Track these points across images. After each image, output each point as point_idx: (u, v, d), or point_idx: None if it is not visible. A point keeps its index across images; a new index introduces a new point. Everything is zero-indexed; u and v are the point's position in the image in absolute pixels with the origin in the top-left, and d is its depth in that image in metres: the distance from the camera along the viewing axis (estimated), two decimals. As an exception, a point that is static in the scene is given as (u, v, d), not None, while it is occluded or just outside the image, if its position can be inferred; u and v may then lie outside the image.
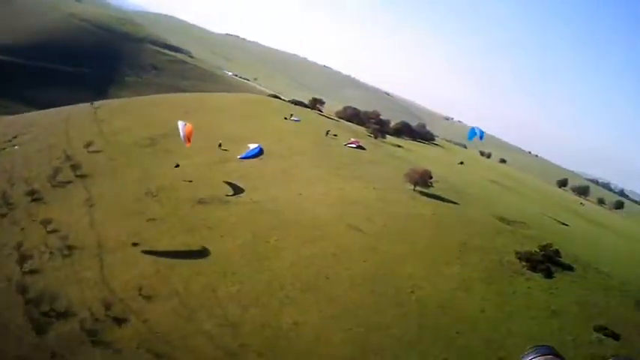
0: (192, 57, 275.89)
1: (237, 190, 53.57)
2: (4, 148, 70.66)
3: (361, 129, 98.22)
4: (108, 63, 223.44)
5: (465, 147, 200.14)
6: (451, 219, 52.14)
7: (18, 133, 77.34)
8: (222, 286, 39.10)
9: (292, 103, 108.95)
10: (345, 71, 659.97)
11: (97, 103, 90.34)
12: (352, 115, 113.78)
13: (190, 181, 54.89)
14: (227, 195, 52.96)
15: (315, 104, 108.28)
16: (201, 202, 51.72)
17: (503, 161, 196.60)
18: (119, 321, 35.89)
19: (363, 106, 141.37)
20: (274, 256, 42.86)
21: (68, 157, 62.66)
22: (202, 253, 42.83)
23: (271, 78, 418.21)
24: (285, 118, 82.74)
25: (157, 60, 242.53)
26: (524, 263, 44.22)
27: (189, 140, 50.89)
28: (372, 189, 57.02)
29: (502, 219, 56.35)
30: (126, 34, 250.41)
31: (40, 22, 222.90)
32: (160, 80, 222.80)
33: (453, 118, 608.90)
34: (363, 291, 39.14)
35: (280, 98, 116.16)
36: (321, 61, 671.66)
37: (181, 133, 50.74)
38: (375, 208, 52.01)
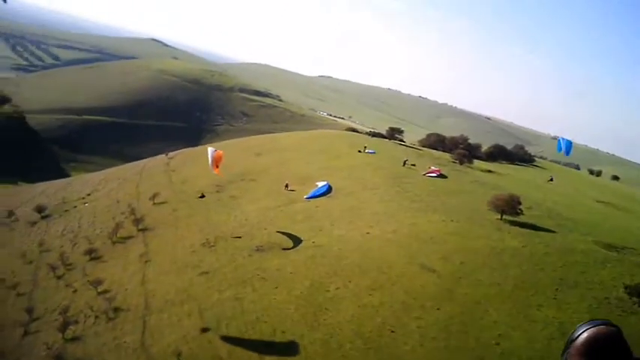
0: (281, 100, 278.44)
1: (295, 239, 48.52)
2: (75, 207, 70.20)
3: (446, 156, 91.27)
4: (200, 115, 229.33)
5: (578, 167, 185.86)
6: (545, 251, 44.54)
7: (92, 190, 77.26)
8: (271, 348, 34.16)
9: (370, 135, 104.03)
10: (441, 100, 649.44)
11: (171, 154, 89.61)
12: (436, 142, 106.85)
13: (240, 237, 50.35)
14: (284, 248, 48.11)
15: (393, 134, 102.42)
16: (258, 250, 47.40)
17: (615, 178, 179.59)
18: (154, 393, 31.76)
19: (459, 133, 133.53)
20: (333, 307, 37.48)
21: (133, 211, 60.74)
22: (250, 309, 38.17)
23: (366, 114, 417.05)
24: (359, 152, 77.86)
25: (246, 107, 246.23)
26: (635, 299, 36.19)
27: (217, 167, 47.03)
28: (449, 222, 50.43)
29: (608, 246, 47.90)
30: (216, 85, 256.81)
31: (132, 82, 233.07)
32: (251, 126, 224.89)
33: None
34: (435, 346, 32.91)
35: (357, 131, 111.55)
36: (415, 93, 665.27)
37: (209, 160, 47.05)
38: (452, 243, 45.44)
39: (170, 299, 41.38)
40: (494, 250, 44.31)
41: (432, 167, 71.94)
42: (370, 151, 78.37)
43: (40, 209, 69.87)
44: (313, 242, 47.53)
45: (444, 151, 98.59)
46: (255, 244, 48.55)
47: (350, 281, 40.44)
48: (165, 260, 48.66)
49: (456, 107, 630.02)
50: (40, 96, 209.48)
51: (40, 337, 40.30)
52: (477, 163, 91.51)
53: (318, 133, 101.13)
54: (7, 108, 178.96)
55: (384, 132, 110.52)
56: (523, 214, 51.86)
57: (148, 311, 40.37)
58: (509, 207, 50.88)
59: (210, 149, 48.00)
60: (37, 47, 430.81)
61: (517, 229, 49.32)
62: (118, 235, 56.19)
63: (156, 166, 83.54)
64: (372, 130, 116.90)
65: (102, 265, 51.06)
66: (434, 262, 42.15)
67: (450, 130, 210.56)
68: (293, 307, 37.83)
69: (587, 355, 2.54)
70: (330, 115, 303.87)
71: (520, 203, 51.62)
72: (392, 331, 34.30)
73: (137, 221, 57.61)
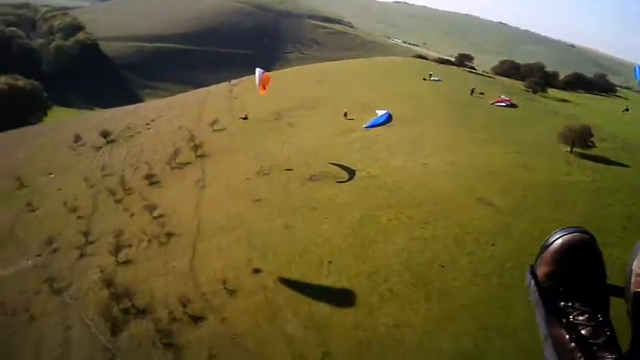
0: (352, 27, 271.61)
1: (350, 170, 46.95)
2: (139, 132, 71.07)
3: (519, 84, 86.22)
4: (269, 42, 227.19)
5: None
6: (615, 186, 41.44)
7: (157, 116, 77.92)
8: (316, 278, 33.52)
9: (437, 62, 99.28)
10: (523, 26, 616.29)
11: (234, 81, 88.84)
12: (510, 70, 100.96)
13: (291, 169, 49.14)
14: (338, 180, 46.81)
15: (463, 61, 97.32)
16: (312, 179, 46.39)
17: None
18: (196, 320, 31.87)
19: (543, 61, 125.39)
20: (383, 240, 36.29)
21: (192, 138, 60.69)
22: (298, 238, 37.51)
23: (441, 41, 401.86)
24: (424, 79, 74.49)
25: (317, 34, 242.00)
26: None
27: (263, 87, 45.51)
28: (513, 153, 47.63)
29: (688, 182, 44.13)
30: (285, 11, 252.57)
31: (201, 9, 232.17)
32: (321, 54, 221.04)
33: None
34: (487, 283, 31.41)
35: (426, 58, 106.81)
36: (496, 18, 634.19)
37: (257, 80, 45.58)
38: (514, 176, 42.93)
39: (222, 225, 41.22)
40: (560, 184, 41.59)
41: (502, 96, 68.02)
42: (436, 78, 74.86)
43: (105, 134, 71.12)
44: (368, 172, 46.04)
45: (517, 79, 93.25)
46: (310, 173, 47.55)
47: (402, 213, 38.99)
48: (219, 187, 48.50)
49: (538, 34, 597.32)
50: (112, 23, 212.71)
51: (95, 259, 41.19)
52: (552, 92, 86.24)
53: (383, 60, 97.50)
54: (80, 35, 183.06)
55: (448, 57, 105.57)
56: (595, 147, 48.36)
57: (199, 236, 40.43)
58: (580, 139, 47.46)
59: (258, 70, 46.38)
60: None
61: (587, 162, 46.08)
62: (177, 161, 56.39)
63: (219, 92, 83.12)
64: (439, 57, 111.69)
65: (159, 190, 51.52)
66: (492, 196, 39.99)
67: (529, 57, 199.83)
68: (342, 238, 36.90)
69: (561, 261, 2.48)
70: (404, 43, 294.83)
71: (592, 135, 48.08)
72: (442, 266, 32.93)
73: (196, 147, 57.54)
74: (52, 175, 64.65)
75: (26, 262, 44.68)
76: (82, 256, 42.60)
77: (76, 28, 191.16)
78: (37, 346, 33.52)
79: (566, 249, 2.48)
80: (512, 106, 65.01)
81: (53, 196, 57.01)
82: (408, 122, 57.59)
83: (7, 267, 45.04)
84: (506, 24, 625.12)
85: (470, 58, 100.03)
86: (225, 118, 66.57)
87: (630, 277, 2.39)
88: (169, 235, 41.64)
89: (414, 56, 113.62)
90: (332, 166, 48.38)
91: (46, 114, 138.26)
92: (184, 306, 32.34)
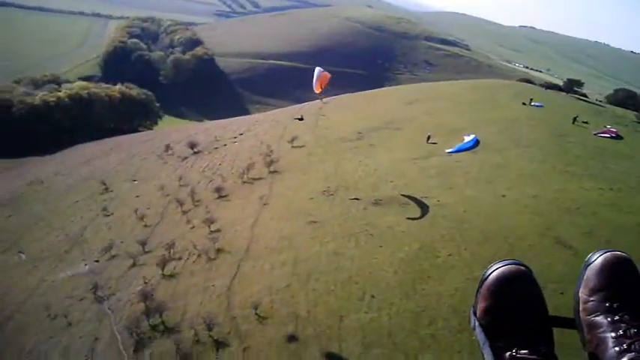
0: (468, 49, 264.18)
1: (418, 200, 43.35)
2: (225, 145, 71.10)
3: (632, 115, 77.88)
4: (382, 62, 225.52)
5: None
6: None
7: (246, 130, 77.88)
8: (354, 312, 30.48)
9: (544, 86, 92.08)
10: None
11: (327, 99, 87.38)
12: (625, 99, 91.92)
13: (358, 199, 46.16)
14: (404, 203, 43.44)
15: (572, 86, 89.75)
16: (376, 203, 43.36)
17: None
18: (219, 345, 29.86)
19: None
20: (437, 277, 32.67)
21: (269, 153, 59.61)
22: (345, 267, 34.62)
23: (565, 67, 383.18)
24: (524, 104, 68.99)
25: (431, 55, 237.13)
26: None
27: (320, 87, 42.99)
28: (607, 190, 42.07)
29: None
30: (401, 33, 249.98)
31: (319, 28, 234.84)
32: (433, 76, 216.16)
33: None
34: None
35: (532, 82, 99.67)
36: (627, 47, 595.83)
37: (315, 79, 43.09)
38: (602, 216, 37.69)
39: (271, 246, 39.18)
40: (654, 230, 35.84)
41: (608, 126, 61.33)
42: (537, 104, 69.12)
43: (192, 145, 71.89)
44: (438, 201, 42.35)
45: (632, 109, 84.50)
46: (376, 196, 44.56)
47: (466, 249, 35.13)
48: (281, 205, 46.59)
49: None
50: (230, 41, 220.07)
51: (144, 270, 40.49)
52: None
53: (483, 83, 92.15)
54: (199, 50, 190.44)
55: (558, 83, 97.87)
56: None
57: (246, 256, 38.57)
58: (689, 179, 41.11)
59: (318, 69, 44.20)
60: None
61: (695, 208, 39.66)
62: (249, 176, 55.30)
63: (310, 109, 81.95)
64: (546, 82, 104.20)
65: (225, 204, 50.49)
66: (573, 237, 35.14)
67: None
68: (392, 271, 33.63)
69: (496, 294, 2.47)
70: (527, 67, 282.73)
71: None
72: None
73: (270, 163, 56.21)
74: (135, 182, 65.89)
75: (83, 267, 45.00)
76: (133, 265, 42.12)
77: (195, 42, 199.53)
78: (63, 352, 32.91)
79: (500, 281, 2.44)
80: (617, 137, 58.32)
81: (129, 203, 57.77)
82: (495, 149, 53.07)
83: (66, 270, 45.62)
84: (637, 53, 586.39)
85: (580, 84, 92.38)
86: (306, 136, 64.95)
87: (578, 304, 2.49)
88: (219, 251, 40.16)
89: (519, 80, 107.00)
90: (401, 190, 45.16)
91: (156, 123, 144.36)
92: (210, 329, 30.44)
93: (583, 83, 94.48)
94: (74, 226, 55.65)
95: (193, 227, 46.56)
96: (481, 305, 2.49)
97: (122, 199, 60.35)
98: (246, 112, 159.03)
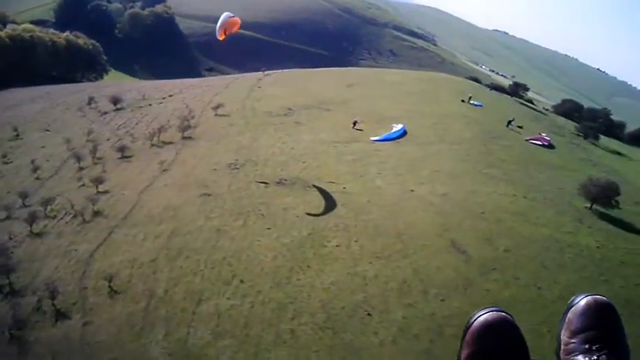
0: (435, 45, 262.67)
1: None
2: (150, 105, 67.26)
3: (572, 126, 76.80)
4: (347, 46, 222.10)
5: None
6: (625, 259, 33.46)
7: (177, 92, 73.89)
8: (216, 297, 27.76)
9: (488, 86, 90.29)
10: (621, 77, 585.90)
11: (269, 72, 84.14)
12: (571, 110, 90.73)
13: (266, 182, 43.34)
14: (308, 186, 40.85)
15: (517, 90, 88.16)
16: (280, 183, 40.64)
17: None
18: (59, 316, 26.78)
19: (634, 117, 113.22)
20: (317, 268, 30.23)
21: (186, 118, 56.17)
22: (223, 247, 31.84)
23: (531, 76, 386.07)
24: (463, 101, 66.93)
25: (396, 45, 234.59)
26: None
27: (224, 34, 39.03)
28: (520, 198, 40.15)
29: None
30: (370, 18, 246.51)
31: (289, 3, 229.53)
32: (395, 65, 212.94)
33: None
34: (411, 347, 24.97)
35: (479, 82, 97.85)
36: (594, 64, 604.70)
37: (219, 24, 39.01)
38: (507, 225, 35.66)
39: (153, 215, 36.13)
40: (558, 243, 34.06)
41: (542, 134, 59.73)
42: (476, 103, 67.12)
43: (115, 101, 67.75)
44: (344, 188, 39.91)
45: (575, 121, 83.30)
46: (282, 175, 41.84)
47: (356, 241, 32.76)
48: (180, 173, 43.42)
49: (636, 88, 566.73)
50: (196, 2, 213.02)
51: (15, 225, 36.92)
52: (608, 142, 76.32)
53: (428, 75, 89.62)
54: (159, 7, 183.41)
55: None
56: (619, 208, 40.21)
57: (122, 222, 35.44)
58: (602, 195, 39.45)
59: (226, 14, 39.70)
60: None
61: (603, 224, 38.05)
62: (160, 139, 51.88)
63: (248, 80, 78.48)
64: (492, 83, 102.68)
65: (125, 165, 46.99)
66: (470, 242, 33.05)
67: (621, 110, 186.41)
68: (271, 256, 31.05)
69: (479, 341, 2.46)
70: (492, 71, 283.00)
71: (619, 194, 39.94)
72: (368, 314, 26.62)
73: (185, 128, 52.82)
74: (48, 132, 61.69)
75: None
76: (6, 218, 38.43)
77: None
78: None
79: (484, 328, 2.45)
80: (549, 146, 56.71)
81: (33, 153, 53.65)
82: (420, 142, 50.87)
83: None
84: (604, 72, 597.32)
85: (526, 88, 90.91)
86: (234, 105, 61.64)
87: (560, 346, 2.51)
88: (96, 213, 36.91)
89: (468, 77, 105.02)
90: (311, 173, 42.54)
91: (101, 76, 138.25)
92: (53, 297, 27.29)
93: (529, 88, 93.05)
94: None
95: (82, 186, 42.96)
96: (465, 352, 2.46)
97: (28, 148, 56.20)
98: (198, 77, 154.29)
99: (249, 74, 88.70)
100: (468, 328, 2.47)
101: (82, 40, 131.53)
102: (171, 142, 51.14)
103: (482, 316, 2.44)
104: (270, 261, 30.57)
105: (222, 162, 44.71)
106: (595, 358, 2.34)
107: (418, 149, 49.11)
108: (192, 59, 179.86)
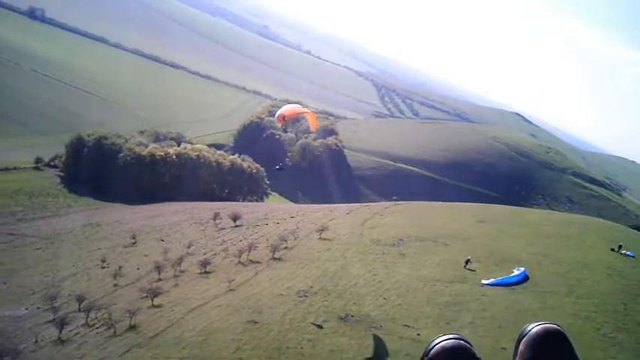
0: (620, 196, 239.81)
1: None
2: (267, 224, 65.52)
3: None
4: (519, 189, 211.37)
5: None
6: None
7: (301, 214, 71.59)
8: None
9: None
10: None
11: (401, 202, 79.51)
12: None
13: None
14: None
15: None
16: (343, 319, 34.81)
17: None
18: None
19: None
20: None
21: (288, 239, 53.02)
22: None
23: None
24: (613, 250, 55.82)
25: (575, 192, 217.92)
26: None
27: (283, 120, 36.21)
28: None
29: None
30: (548, 163, 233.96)
31: (459, 143, 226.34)
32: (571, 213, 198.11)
33: None
34: None
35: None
36: None
37: (279, 112, 36.63)
38: None
39: (183, 338, 32.01)
40: None
41: None
42: (629, 253, 55.69)
43: (235, 218, 67.38)
44: (418, 334, 33.36)
45: None
46: (351, 310, 36.01)
47: None
48: (242, 295, 39.03)
49: None
50: (367, 137, 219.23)
51: (49, 329, 34.88)
52: None
53: (579, 219, 77.82)
54: (330, 139, 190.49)
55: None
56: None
57: (147, 341, 31.70)
58: None
59: (290, 105, 38.77)
60: (402, 101, 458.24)
61: None
62: (249, 257, 48.90)
63: (373, 208, 74.07)
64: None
65: (198, 281, 44.02)
66: None
67: None
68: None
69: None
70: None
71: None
72: None
73: (276, 248, 49.50)
74: (161, 242, 62.01)
75: (22, 311, 40.77)
76: (50, 321, 36.71)
77: (330, 132, 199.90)
78: None
79: (442, 354, 2.55)
80: None
81: (131, 261, 53.81)
82: (540, 291, 42.17)
83: (8, 308, 41.56)
84: None
85: None
86: (344, 230, 57.48)
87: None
88: (131, 328, 33.74)
89: (630, 226, 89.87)
90: (385, 311, 36.19)
91: (262, 199, 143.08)
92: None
93: None
94: (66, 272, 52.26)
95: (145, 297, 40.50)
96: None
97: (132, 256, 56.71)
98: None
99: (379, 203, 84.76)
100: (426, 354, 2.57)
101: (246, 163, 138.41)
102: (258, 262, 47.75)
103: (442, 343, 2.56)
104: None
105: (295, 288, 40.01)
106: None
107: (534, 299, 40.45)
108: (354, 190, 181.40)
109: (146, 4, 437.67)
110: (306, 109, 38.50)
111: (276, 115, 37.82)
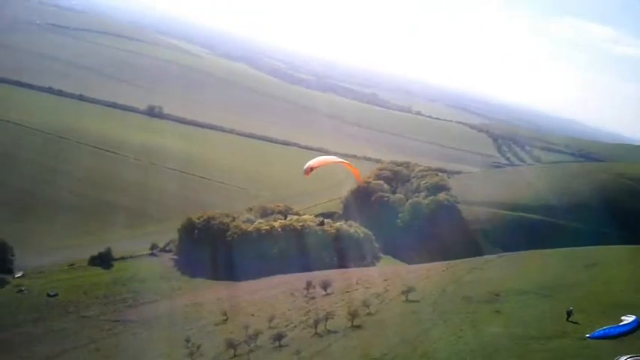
0: None
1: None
2: (357, 289, 62.73)
3: None
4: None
5: None
6: None
7: (395, 277, 68.15)
8: None
9: None
10: None
11: (504, 254, 73.77)
12: None
13: None
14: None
15: None
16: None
17: None
18: None
19: None
20: None
21: (370, 304, 50.05)
22: None
23: None
24: None
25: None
26: None
27: (310, 171, 33.97)
28: None
29: None
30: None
31: (578, 183, 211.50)
32: None
33: None
34: None
35: None
36: None
37: (310, 162, 34.47)
38: None
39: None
40: None
41: None
42: None
43: (325, 286, 65.46)
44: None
45: None
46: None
47: None
48: None
49: None
50: (482, 189, 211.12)
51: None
52: None
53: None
54: (441, 195, 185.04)
55: None
56: None
57: None
58: None
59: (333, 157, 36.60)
60: (521, 148, 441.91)
61: None
62: (327, 327, 46.40)
63: (474, 262, 68.92)
64: None
65: (271, 355, 42.17)
66: None
67: None
68: None
69: None
70: None
71: None
72: None
73: (355, 315, 46.74)
74: (251, 317, 60.89)
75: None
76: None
77: (441, 187, 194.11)
78: None
79: None
80: None
81: (218, 338, 52.85)
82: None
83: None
84: None
85: None
86: (434, 289, 53.53)
87: None
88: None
89: None
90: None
91: (373, 264, 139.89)
92: None
93: None
94: (150, 354, 52.28)
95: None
96: None
97: (217, 334, 55.73)
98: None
99: (482, 257, 79.04)
100: None
101: (353, 228, 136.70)
102: (335, 331, 44.99)
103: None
104: None
105: (368, 356, 36.85)
106: None
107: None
108: (471, 244, 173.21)
109: (267, 92, 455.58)
110: (339, 159, 36.46)
111: (305, 167, 36.49)
